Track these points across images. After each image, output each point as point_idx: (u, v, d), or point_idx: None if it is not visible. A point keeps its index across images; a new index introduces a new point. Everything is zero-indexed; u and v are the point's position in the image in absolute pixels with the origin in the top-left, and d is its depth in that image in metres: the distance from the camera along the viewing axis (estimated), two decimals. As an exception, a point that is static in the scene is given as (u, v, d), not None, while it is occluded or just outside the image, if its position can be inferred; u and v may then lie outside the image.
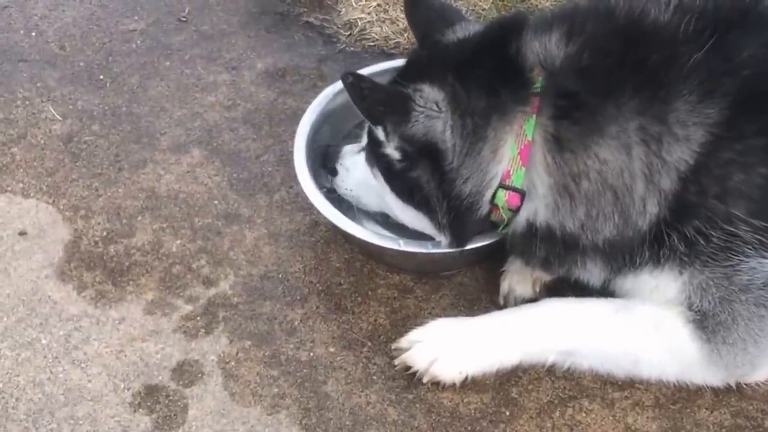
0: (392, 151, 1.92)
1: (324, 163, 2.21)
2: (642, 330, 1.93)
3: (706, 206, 1.78)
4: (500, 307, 2.16)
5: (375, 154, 2.00)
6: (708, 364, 1.91)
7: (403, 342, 2.03)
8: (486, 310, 2.14)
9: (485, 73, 1.84)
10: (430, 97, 1.84)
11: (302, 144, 2.24)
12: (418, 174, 1.90)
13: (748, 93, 1.75)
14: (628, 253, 1.88)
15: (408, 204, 1.98)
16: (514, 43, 1.85)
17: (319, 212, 2.16)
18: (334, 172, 2.19)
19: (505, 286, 2.16)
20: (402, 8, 2.79)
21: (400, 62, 2.17)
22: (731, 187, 1.77)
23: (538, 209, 1.87)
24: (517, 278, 2.15)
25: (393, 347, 2.05)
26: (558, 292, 2.12)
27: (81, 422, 1.98)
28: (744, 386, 2.00)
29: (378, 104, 1.85)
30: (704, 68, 1.76)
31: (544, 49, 1.84)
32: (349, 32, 2.81)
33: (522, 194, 1.85)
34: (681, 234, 1.81)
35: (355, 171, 2.15)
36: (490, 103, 1.82)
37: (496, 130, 1.83)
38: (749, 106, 1.76)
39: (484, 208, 1.91)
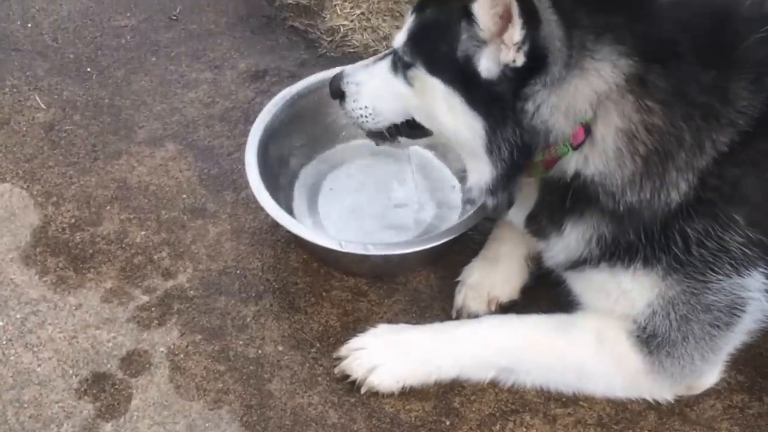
0: (518, 55, 1.59)
1: (331, 95, 1.95)
2: (584, 343, 1.80)
3: (715, 205, 1.62)
4: (451, 318, 2.02)
5: (442, 63, 1.68)
6: (654, 374, 1.78)
7: (343, 350, 1.90)
8: (437, 318, 2.01)
9: None
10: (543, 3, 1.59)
11: (253, 152, 2.09)
12: (505, 88, 1.62)
13: None
14: (643, 230, 1.67)
15: (476, 112, 1.67)
16: None
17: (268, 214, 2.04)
18: (342, 96, 1.91)
19: (459, 300, 2.01)
20: (384, 17, 2.68)
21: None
22: (740, 188, 1.61)
23: (589, 157, 1.65)
24: (472, 294, 1.99)
25: (334, 356, 1.92)
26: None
27: (26, 406, 1.88)
28: (688, 410, 1.86)
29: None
30: (760, 56, 1.60)
31: None
32: (331, 38, 2.68)
33: (587, 129, 1.62)
34: (683, 235, 1.64)
35: (371, 82, 1.87)
36: (601, 22, 1.60)
37: (603, 50, 1.59)
38: None
39: (551, 138, 1.64)
